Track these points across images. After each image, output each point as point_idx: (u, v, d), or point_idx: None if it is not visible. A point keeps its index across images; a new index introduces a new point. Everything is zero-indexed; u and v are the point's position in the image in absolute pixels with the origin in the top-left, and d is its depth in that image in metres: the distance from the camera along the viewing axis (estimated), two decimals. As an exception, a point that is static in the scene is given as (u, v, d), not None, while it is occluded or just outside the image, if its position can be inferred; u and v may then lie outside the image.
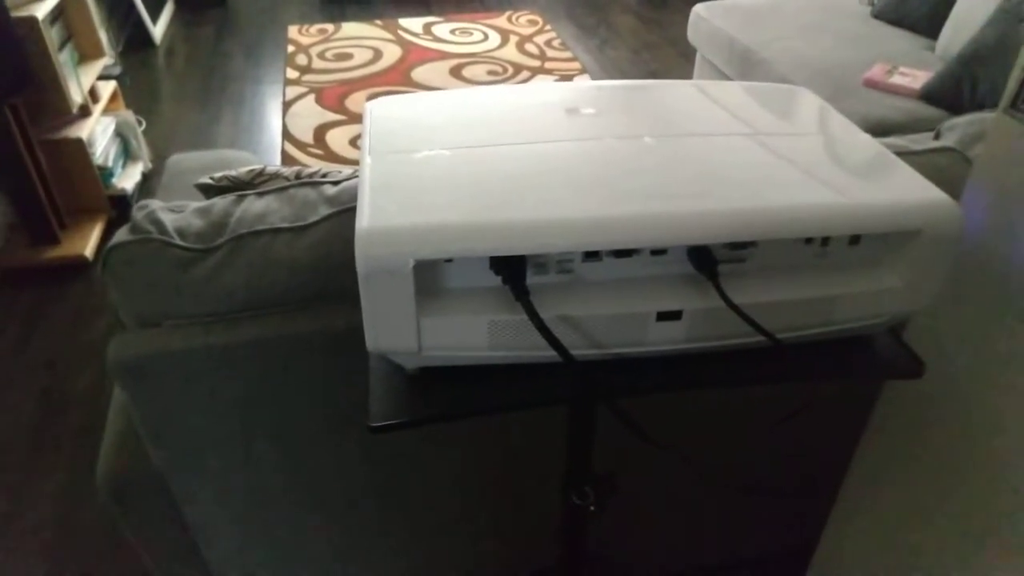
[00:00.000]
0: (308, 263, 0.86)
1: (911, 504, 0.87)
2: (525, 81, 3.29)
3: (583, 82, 0.77)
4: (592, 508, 0.85)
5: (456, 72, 3.36)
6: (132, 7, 3.48)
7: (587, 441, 0.79)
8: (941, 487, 0.82)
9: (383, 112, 0.70)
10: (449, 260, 0.57)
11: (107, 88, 2.45)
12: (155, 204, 0.95)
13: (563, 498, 0.85)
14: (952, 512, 0.80)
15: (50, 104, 2.12)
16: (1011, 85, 0.61)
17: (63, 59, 2.15)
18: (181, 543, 1.06)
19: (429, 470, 1.04)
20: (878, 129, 1.91)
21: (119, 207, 2.39)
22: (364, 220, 0.54)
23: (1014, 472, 0.71)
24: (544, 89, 0.74)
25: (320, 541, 1.11)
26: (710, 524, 1.29)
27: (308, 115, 3.00)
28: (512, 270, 0.56)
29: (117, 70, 2.58)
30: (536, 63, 3.46)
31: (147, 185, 2.57)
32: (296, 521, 1.07)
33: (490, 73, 3.36)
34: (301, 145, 2.80)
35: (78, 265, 2.19)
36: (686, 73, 3.37)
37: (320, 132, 2.89)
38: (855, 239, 0.61)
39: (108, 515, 1.52)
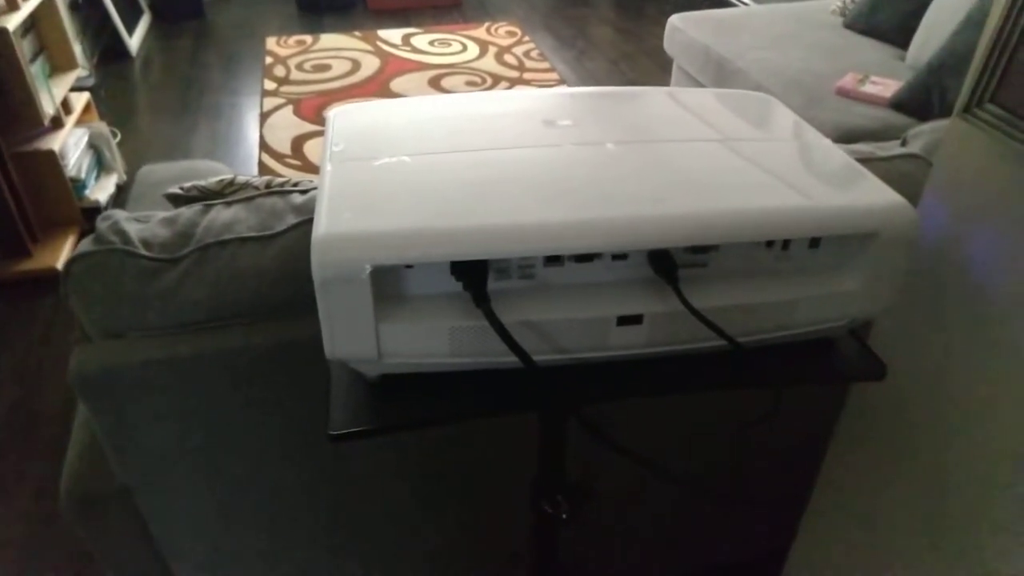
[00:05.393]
0: (275, 272, 0.85)
1: (880, 507, 0.87)
2: (504, 91, 3.30)
3: (547, 89, 0.78)
4: (564, 517, 0.84)
5: (435, 83, 3.37)
6: (108, 18, 3.45)
7: (558, 448, 0.78)
8: (910, 490, 0.82)
9: (345, 120, 0.69)
10: (409, 266, 0.57)
11: (80, 100, 2.43)
12: (119, 214, 0.94)
13: (534, 507, 0.84)
14: (920, 514, 0.81)
15: (21, 116, 2.10)
16: (966, 89, 0.62)
17: (35, 71, 2.13)
18: (149, 561, 1.04)
19: (398, 482, 1.03)
20: (849, 137, 1.94)
21: (93, 219, 2.35)
22: (320, 227, 0.53)
23: (985, 469, 0.72)
24: (507, 96, 0.74)
25: (290, 557, 1.09)
26: (685, 530, 1.29)
27: (286, 126, 2.99)
28: (473, 276, 0.56)
29: (91, 82, 2.55)
30: (515, 74, 3.47)
31: (121, 197, 2.54)
32: (265, 537, 1.05)
33: (469, 84, 3.37)
34: (278, 156, 2.79)
35: (50, 278, 2.16)
36: (663, 83, 3.40)
37: (298, 143, 2.88)
38: (815, 242, 0.61)
39: (79, 532, 1.49)
